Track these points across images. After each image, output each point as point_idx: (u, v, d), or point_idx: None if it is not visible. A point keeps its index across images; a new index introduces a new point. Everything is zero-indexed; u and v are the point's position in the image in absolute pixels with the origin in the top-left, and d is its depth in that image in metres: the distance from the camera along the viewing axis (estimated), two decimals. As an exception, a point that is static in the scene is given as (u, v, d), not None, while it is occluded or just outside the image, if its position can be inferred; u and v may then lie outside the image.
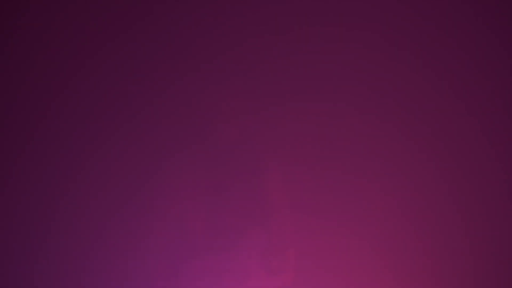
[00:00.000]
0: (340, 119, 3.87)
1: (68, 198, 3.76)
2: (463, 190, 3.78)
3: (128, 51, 3.84)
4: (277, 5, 3.78)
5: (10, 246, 3.63)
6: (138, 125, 3.86)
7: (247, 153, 3.79)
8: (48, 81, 3.71)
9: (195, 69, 3.89)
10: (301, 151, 3.95)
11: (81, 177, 3.77)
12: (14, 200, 3.69)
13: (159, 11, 3.82)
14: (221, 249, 3.78)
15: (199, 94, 3.81)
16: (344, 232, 3.90)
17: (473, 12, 3.71)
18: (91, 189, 3.79)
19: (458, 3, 3.73)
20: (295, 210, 3.99)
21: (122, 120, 3.85)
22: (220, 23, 3.86)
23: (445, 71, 3.80)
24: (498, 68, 3.75)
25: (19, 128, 3.69)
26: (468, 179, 3.76)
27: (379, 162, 3.82)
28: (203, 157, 3.80)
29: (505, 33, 3.73)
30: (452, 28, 3.78)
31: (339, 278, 3.93)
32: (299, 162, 3.96)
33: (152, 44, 3.88)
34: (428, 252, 3.77)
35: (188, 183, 3.79)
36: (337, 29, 3.77)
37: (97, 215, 3.78)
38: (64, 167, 3.73)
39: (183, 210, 3.76)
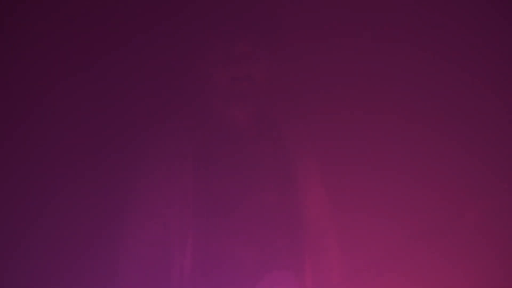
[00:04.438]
0: (399, 115, 3.45)
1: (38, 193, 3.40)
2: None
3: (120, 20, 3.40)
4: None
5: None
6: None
7: (267, 148, 2.79)
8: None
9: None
10: (349, 149, 3.29)
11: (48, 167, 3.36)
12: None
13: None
14: None
15: (195, 60, 2.85)
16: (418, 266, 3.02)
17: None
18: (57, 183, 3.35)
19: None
20: (343, 239, 2.94)
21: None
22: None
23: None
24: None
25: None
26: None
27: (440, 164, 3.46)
28: (199, 152, 2.77)
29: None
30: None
31: None
32: (350, 167, 3.22)
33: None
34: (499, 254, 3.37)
35: (173, 192, 2.74)
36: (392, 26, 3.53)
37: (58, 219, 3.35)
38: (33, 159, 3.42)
39: (163, 238, 2.74)
